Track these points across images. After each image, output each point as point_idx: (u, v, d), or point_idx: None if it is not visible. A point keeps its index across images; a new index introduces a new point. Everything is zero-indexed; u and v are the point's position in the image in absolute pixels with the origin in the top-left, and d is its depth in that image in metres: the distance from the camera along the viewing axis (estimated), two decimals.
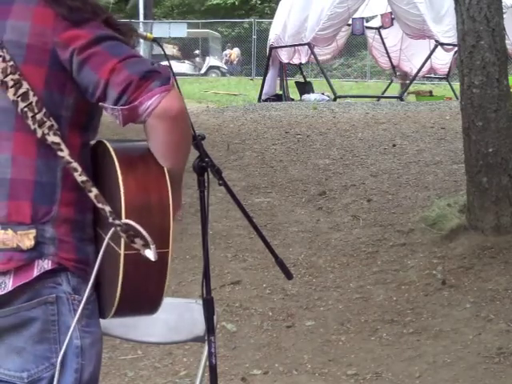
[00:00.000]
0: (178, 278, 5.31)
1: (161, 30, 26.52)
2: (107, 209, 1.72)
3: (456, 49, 9.95)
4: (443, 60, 15.54)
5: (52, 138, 1.74)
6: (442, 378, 3.88)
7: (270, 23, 17.21)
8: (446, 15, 12.96)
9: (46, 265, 1.76)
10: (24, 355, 1.78)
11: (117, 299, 1.74)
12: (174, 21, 29.89)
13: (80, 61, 1.72)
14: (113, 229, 1.71)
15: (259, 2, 30.83)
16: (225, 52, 27.73)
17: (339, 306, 4.86)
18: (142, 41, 1.93)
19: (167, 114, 1.70)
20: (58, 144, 1.74)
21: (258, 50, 22.94)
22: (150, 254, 1.69)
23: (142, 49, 23.57)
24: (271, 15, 20.86)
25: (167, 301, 3.01)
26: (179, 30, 27.72)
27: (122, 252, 1.71)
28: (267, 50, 15.77)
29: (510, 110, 5.60)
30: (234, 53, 27.54)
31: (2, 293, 1.74)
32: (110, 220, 1.71)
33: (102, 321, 1.86)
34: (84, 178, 1.73)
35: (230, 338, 4.46)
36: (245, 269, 5.49)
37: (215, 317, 2.16)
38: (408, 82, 15.59)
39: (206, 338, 2.13)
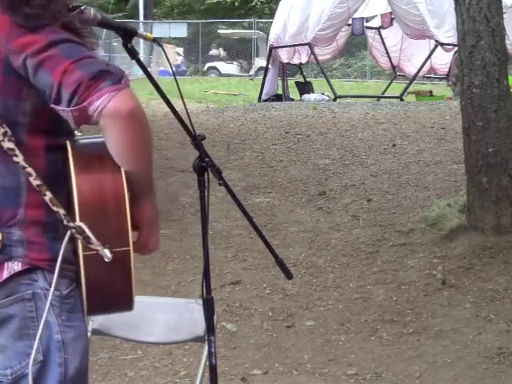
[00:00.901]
0: (178, 277, 5.31)
1: (161, 29, 26.54)
2: (61, 212, 1.74)
3: (456, 49, 9.95)
4: (443, 60, 15.54)
5: (7, 144, 1.75)
6: (441, 378, 3.88)
7: (270, 23, 17.21)
8: (446, 15, 12.95)
9: (16, 266, 1.78)
10: (6, 353, 1.80)
11: (84, 297, 1.76)
12: (174, 21, 29.91)
13: (35, 64, 1.71)
14: (69, 231, 1.73)
15: (259, 2, 30.82)
16: (211, 52, 27.62)
17: (339, 306, 4.86)
18: (141, 41, 1.92)
19: (117, 115, 1.68)
20: (13, 150, 1.75)
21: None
22: (104, 252, 1.71)
23: (142, 49, 23.61)
24: (271, 15, 20.86)
25: (167, 301, 3.02)
26: (179, 30, 27.74)
27: (80, 253, 1.73)
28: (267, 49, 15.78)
29: (510, 110, 5.60)
30: (222, 52, 27.51)
31: None
32: (65, 223, 1.73)
33: (102, 321, 1.86)
34: (38, 182, 1.75)
35: (230, 338, 4.46)
36: (245, 269, 5.49)
37: (215, 317, 2.16)
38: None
39: (206, 337, 2.13)
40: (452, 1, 5.84)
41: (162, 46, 2.27)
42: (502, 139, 5.54)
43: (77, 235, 1.71)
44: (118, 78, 1.69)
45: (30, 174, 1.75)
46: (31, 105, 1.78)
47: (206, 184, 2.10)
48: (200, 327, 2.44)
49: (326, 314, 4.75)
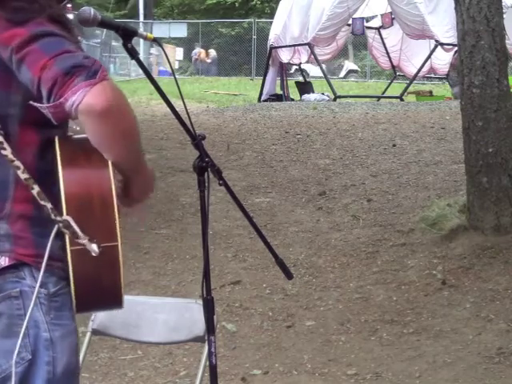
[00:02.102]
0: (178, 277, 5.31)
1: (161, 29, 26.54)
2: (48, 206, 1.73)
3: (456, 49, 9.95)
4: (443, 60, 15.54)
5: None
6: (441, 378, 3.88)
7: (270, 23, 17.21)
8: (446, 15, 12.95)
9: (3, 261, 1.77)
10: None
11: (73, 293, 1.75)
12: (174, 21, 29.91)
13: (17, 60, 1.71)
14: (56, 225, 1.72)
15: (259, 2, 30.83)
16: (194, 51, 27.52)
17: (339, 306, 4.86)
18: (141, 41, 1.92)
19: (92, 109, 1.67)
20: (1, 143, 1.74)
21: (258, 50, 22.95)
22: (91, 247, 1.70)
23: (142, 49, 23.62)
24: (271, 15, 20.86)
25: (167, 301, 3.02)
26: (179, 30, 27.74)
27: (68, 248, 1.72)
28: (267, 49, 15.78)
29: (510, 110, 5.60)
30: (203, 52, 27.39)
31: None
32: (52, 217, 1.72)
33: (102, 321, 1.86)
34: (26, 175, 1.74)
35: (230, 338, 4.46)
36: (245, 269, 5.49)
37: (215, 317, 2.16)
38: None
39: (206, 337, 2.12)
40: (452, 1, 5.84)
41: (161, 46, 2.27)
42: (502, 139, 5.54)
43: (64, 229, 1.71)
44: (93, 72, 1.68)
45: (17, 168, 1.74)
46: (22, 96, 1.77)
47: (206, 184, 2.09)
48: (200, 327, 2.44)
49: (326, 314, 4.75)
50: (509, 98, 5.62)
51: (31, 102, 1.71)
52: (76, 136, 1.84)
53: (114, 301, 1.83)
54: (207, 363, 2.20)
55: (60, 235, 1.76)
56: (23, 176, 1.74)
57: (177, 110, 2.05)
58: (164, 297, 4.57)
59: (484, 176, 5.53)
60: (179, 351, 4.24)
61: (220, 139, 9.38)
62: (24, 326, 1.75)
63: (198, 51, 27.29)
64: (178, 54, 27.40)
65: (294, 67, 17.91)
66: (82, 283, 1.74)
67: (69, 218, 1.70)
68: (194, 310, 2.54)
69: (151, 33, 2.03)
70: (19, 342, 1.75)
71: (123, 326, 2.60)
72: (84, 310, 1.86)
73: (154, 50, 25.80)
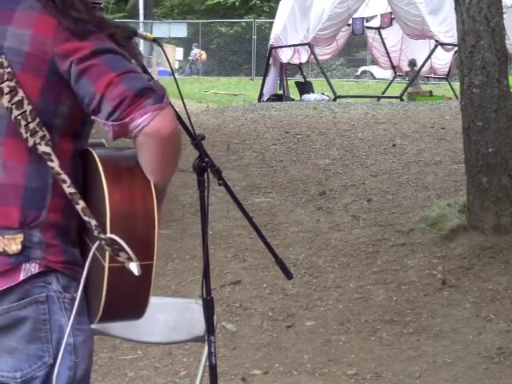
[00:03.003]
0: (178, 278, 5.31)
1: (161, 30, 26.54)
2: (93, 222, 1.73)
3: (456, 49, 9.95)
4: (443, 60, 15.55)
5: (43, 148, 1.74)
6: (441, 378, 3.88)
7: (270, 23, 17.22)
8: (446, 15, 12.96)
9: (33, 268, 1.78)
10: (16, 355, 1.79)
11: (101, 308, 1.75)
12: (174, 21, 29.91)
13: (78, 71, 1.71)
14: (97, 242, 1.72)
15: (259, 1, 30.82)
16: (194, 51, 27.51)
17: (339, 306, 4.86)
18: (142, 41, 1.93)
19: (158, 134, 1.69)
20: (49, 154, 1.74)
21: (258, 50, 22.95)
22: (134, 267, 1.71)
23: (142, 49, 23.60)
24: (271, 15, 20.86)
25: (167, 301, 3.01)
26: (179, 29, 27.74)
27: (106, 265, 1.72)
28: (267, 49, 15.78)
29: (510, 110, 5.60)
30: (204, 53, 27.42)
31: None
32: (96, 233, 1.72)
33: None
34: (72, 190, 1.74)
35: (230, 338, 4.46)
36: (245, 269, 5.49)
37: (215, 317, 2.16)
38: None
39: (206, 338, 2.13)
40: (452, 1, 5.84)
41: (161, 46, 2.27)
42: (502, 139, 5.54)
43: (106, 247, 1.70)
44: (160, 97, 1.70)
45: (64, 181, 1.74)
46: (68, 108, 1.77)
47: (206, 184, 2.10)
48: (200, 327, 2.44)
49: (326, 314, 4.75)
50: (509, 97, 5.62)
51: (93, 117, 1.72)
52: (111, 151, 1.84)
53: (137, 315, 1.85)
54: (207, 363, 2.20)
55: (83, 245, 1.79)
56: (69, 190, 1.74)
57: (177, 109, 2.05)
58: (164, 297, 4.57)
59: (484, 176, 5.53)
60: (179, 351, 4.24)
61: (220, 139, 9.38)
62: (68, 331, 1.76)
63: (199, 52, 27.30)
64: (177, 54, 27.40)
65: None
66: (112, 299, 1.74)
67: (115, 237, 1.70)
68: (194, 310, 2.54)
69: (151, 33, 2.03)
70: (63, 346, 1.76)
71: (123, 326, 2.59)
72: (105, 321, 1.87)
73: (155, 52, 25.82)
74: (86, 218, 1.73)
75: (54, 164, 1.74)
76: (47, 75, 1.75)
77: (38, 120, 1.74)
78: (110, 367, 4.12)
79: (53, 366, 1.78)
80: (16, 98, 1.73)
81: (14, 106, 1.73)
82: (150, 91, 1.69)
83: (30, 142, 1.74)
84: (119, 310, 1.79)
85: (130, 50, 1.81)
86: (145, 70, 1.85)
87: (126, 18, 27.26)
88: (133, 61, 1.80)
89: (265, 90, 15.53)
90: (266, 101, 14.89)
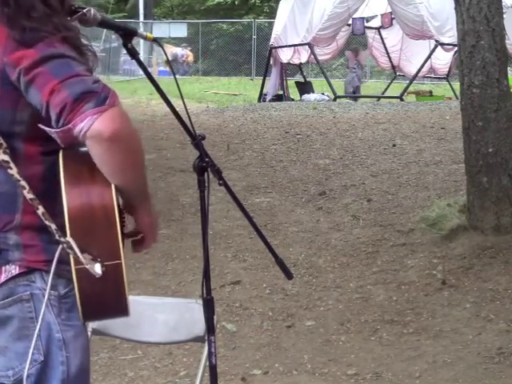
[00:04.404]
0: (178, 277, 5.31)
1: (161, 30, 26.54)
2: (53, 226, 1.75)
3: (456, 49, 9.95)
4: (443, 60, 15.55)
5: (1, 157, 1.75)
6: (441, 378, 3.88)
7: (270, 23, 17.21)
8: (447, 15, 12.95)
9: (14, 270, 1.80)
10: (7, 354, 1.81)
11: (79, 305, 1.77)
12: (174, 21, 29.91)
13: (26, 82, 1.71)
14: (60, 246, 1.74)
15: (258, 1, 30.81)
16: (181, 52, 27.47)
17: (339, 306, 4.86)
18: (141, 41, 1.92)
19: (100, 137, 1.68)
20: (7, 162, 1.75)
21: (258, 50, 22.95)
22: (96, 268, 1.72)
23: (142, 49, 23.62)
24: (271, 14, 20.85)
25: (167, 301, 3.01)
26: (179, 29, 27.73)
27: (73, 267, 1.73)
28: (267, 49, 15.79)
29: (510, 110, 5.60)
30: (191, 55, 27.38)
31: None
32: (56, 237, 1.74)
33: (102, 321, 1.87)
34: (31, 195, 1.76)
35: (230, 338, 4.46)
36: (245, 269, 5.49)
37: (215, 317, 2.16)
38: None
39: (206, 338, 2.13)
40: (452, 1, 5.84)
41: (162, 46, 2.27)
42: (502, 139, 5.54)
43: (68, 250, 1.72)
44: (101, 99, 1.68)
45: (23, 187, 1.75)
46: (28, 114, 1.77)
47: (206, 184, 2.10)
48: (200, 327, 2.44)
49: (326, 314, 4.75)
50: (509, 97, 5.62)
51: (40, 125, 1.72)
52: (80, 150, 1.83)
53: (119, 311, 1.85)
54: (207, 363, 2.20)
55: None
56: (28, 196, 1.76)
57: (177, 109, 2.05)
58: (164, 297, 4.57)
59: (484, 176, 5.53)
60: (179, 351, 4.24)
61: (220, 139, 9.38)
62: (37, 328, 1.77)
63: (186, 53, 27.25)
64: (180, 54, 27.40)
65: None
66: (87, 298, 1.76)
67: (71, 240, 1.72)
68: (194, 310, 2.54)
69: (151, 33, 2.03)
70: (33, 343, 1.76)
71: (123, 326, 2.59)
72: (90, 319, 1.89)
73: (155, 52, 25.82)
74: (46, 223, 1.75)
75: (13, 171, 1.75)
76: (1, 84, 1.75)
77: None
78: (109, 367, 4.12)
79: (44, 362, 1.80)
80: None
81: None
82: (90, 94, 1.67)
83: None
84: (98, 309, 1.81)
85: (84, 54, 1.80)
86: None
87: (126, 18, 27.25)
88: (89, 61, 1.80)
89: (268, 91, 15.52)
90: (269, 101, 14.87)
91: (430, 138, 9.21)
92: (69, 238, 1.72)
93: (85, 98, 1.67)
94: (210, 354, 2.13)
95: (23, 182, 1.75)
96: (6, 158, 1.76)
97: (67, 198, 1.73)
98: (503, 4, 6.25)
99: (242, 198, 6.58)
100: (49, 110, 1.69)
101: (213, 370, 2.14)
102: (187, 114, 2.07)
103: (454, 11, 5.76)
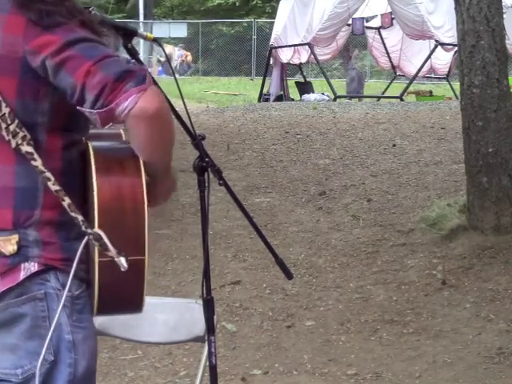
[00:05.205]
0: (178, 277, 5.31)
1: (161, 29, 26.51)
2: (79, 218, 1.74)
3: (456, 49, 9.95)
4: (443, 60, 15.54)
5: (25, 148, 1.75)
6: (441, 378, 3.88)
7: (270, 23, 17.22)
8: (447, 15, 12.95)
9: (33, 267, 1.79)
10: (17, 352, 1.80)
11: (96, 300, 1.78)
12: (174, 21, 29.89)
13: (55, 65, 1.71)
14: (86, 237, 1.73)
15: (260, 2, 30.80)
16: (180, 53, 27.46)
17: (339, 306, 4.86)
18: (141, 41, 1.93)
19: (144, 114, 1.69)
20: (32, 154, 1.75)
21: (258, 50, 22.95)
22: (122, 262, 1.71)
23: (142, 49, 23.61)
24: (272, 14, 20.86)
25: (167, 301, 3.01)
26: (179, 30, 27.71)
27: (96, 259, 1.73)
28: (267, 49, 15.79)
29: (510, 110, 5.60)
30: (189, 55, 27.37)
31: None
32: (83, 229, 1.73)
33: (102, 321, 1.87)
34: (57, 187, 1.75)
35: (230, 338, 4.46)
36: (245, 269, 5.49)
37: (215, 317, 2.16)
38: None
39: (206, 338, 2.13)
40: (452, 1, 5.84)
41: (162, 46, 2.27)
42: (502, 139, 5.54)
43: (94, 241, 1.71)
44: (141, 78, 1.70)
45: (48, 179, 1.75)
46: (49, 103, 1.78)
47: (206, 184, 2.10)
48: (200, 327, 2.44)
49: (326, 314, 4.75)
50: (509, 97, 5.62)
51: (79, 108, 1.72)
52: (107, 143, 1.85)
53: (134, 308, 1.86)
54: (207, 363, 2.20)
55: (83, 237, 1.78)
56: (54, 188, 1.75)
57: (177, 109, 2.05)
58: (164, 297, 4.57)
59: (484, 176, 5.53)
60: (179, 351, 4.24)
61: (220, 139, 9.38)
62: (52, 329, 1.76)
63: (184, 53, 27.24)
64: (177, 54, 27.38)
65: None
66: (106, 292, 1.76)
67: (100, 232, 1.71)
68: (194, 310, 2.54)
69: (151, 33, 2.03)
70: (46, 343, 1.76)
71: (123, 326, 2.59)
72: (103, 313, 1.89)
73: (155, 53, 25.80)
74: (72, 214, 1.75)
75: (38, 163, 1.75)
76: (21, 74, 1.75)
77: (17, 121, 1.75)
78: (110, 367, 4.12)
79: (53, 362, 1.79)
80: None
81: None
82: (130, 73, 1.69)
83: (13, 144, 1.75)
84: (114, 303, 1.81)
85: (103, 34, 1.80)
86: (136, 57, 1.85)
87: (126, 18, 27.21)
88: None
89: (271, 91, 15.50)
90: (273, 101, 14.84)
91: (429, 138, 9.21)
92: (98, 230, 1.71)
93: (126, 78, 1.68)
94: (209, 353, 2.13)
95: (48, 174, 1.75)
96: (30, 149, 1.75)
97: (98, 189, 1.73)
98: (503, 4, 6.25)
99: (242, 198, 6.57)
100: (84, 91, 1.68)
101: (213, 370, 2.14)
102: (187, 114, 2.07)
103: (454, 11, 5.77)
